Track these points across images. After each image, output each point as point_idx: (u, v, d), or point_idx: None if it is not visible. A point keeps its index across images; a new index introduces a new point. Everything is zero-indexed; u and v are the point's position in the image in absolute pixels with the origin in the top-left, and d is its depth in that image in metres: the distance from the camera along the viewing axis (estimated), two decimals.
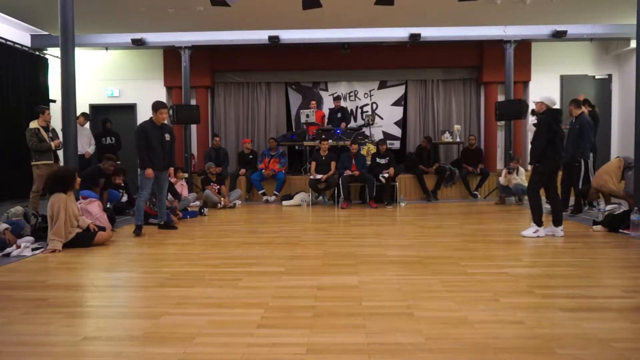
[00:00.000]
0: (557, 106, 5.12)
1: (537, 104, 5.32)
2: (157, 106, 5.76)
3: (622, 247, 4.67)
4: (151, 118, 5.80)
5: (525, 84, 10.52)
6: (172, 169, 6.24)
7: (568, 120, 7.06)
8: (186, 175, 8.33)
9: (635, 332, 2.48)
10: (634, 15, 5.80)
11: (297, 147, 10.23)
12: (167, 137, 5.87)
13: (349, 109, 10.80)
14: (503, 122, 9.64)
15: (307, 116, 9.48)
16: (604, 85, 10.48)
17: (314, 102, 10.12)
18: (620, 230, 5.38)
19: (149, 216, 6.31)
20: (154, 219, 6.28)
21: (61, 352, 2.31)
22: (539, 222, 5.24)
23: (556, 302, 2.94)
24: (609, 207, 6.10)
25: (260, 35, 9.21)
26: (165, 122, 5.91)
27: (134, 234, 5.60)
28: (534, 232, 5.23)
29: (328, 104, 10.63)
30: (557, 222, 5.31)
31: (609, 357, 2.17)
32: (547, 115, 5.16)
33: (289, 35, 9.24)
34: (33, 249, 4.72)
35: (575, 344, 2.31)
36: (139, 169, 5.77)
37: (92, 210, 5.61)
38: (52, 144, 6.50)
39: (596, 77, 10.49)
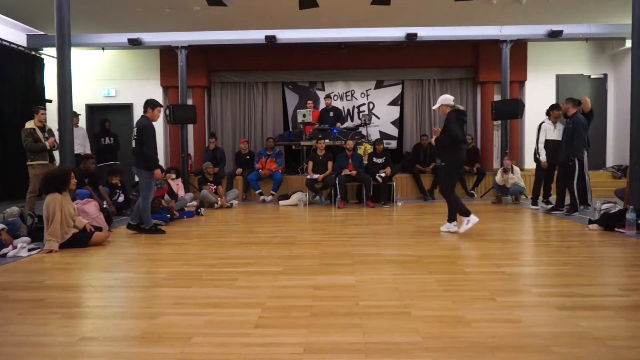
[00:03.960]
0: (461, 107, 5.33)
1: (438, 109, 5.42)
2: (155, 104, 5.70)
3: (618, 246, 4.69)
4: (146, 116, 5.67)
5: (522, 83, 10.55)
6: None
7: (564, 120, 7.09)
8: (174, 175, 8.26)
9: (630, 330, 2.49)
10: (629, 15, 5.83)
11: (294, 147, 10.23)
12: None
13: (345, 109, 10.82)
14: (499, 122, 9.66)
15: (304, 116, 9.48)
16: (600, 84, 10.52)
17: (310, 102, 10.12)
18: (616, 229, 5.41)
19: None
20: (161, 219, 6.24)
21: (58, 353, 2.31)
22: (466, 213, 5.33)
23: (552, 301, 2.95)
24: (604, 206, 6.13)
25: (256, 35, 9.21)
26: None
27: (154, 233, 5.60)
28: (466, 224, 5.30)
29: (323, 103, 10.63)
30: (455, 217, 5.53)
31: (605, 356, 2.18)
32: (453, 115, 5.29)
33: (285, 35, 9.23)
34: (29, 250, 4.70)
35: (572, 343, 2.32)
36: (138, 170, 5.65)
37: (89, 211, 5.59)
38: (47, 144, 6.48)
39: (592, 76, 10.53)
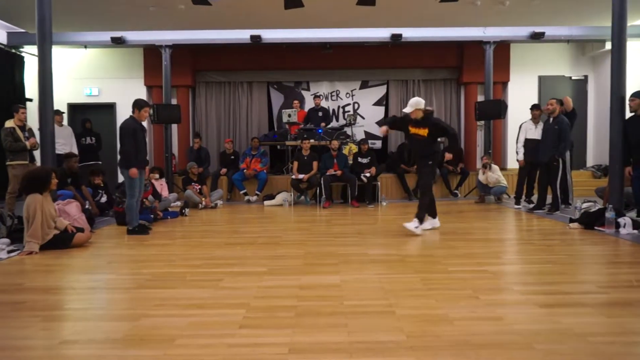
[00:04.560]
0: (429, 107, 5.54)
1: (411, 113, 5.48)
2: (142, 104, 5.67)
3: (598, 244, 4.78)
4: (132, 116, 5.68)
5: (505, 84, 10.68)
6: (147, 168, 6.12)
7: (545, 118, 7.21)
8: (157, 176, 8.16)
9: (610, 326, 2.54)
10: (609, 18, 5.95)
11: (279, 147, 10.20)
12: (146, 136, 5.81)
13: (330, 109, 10.81)
14: (483, 122, 9.77)
15: (289, 116, 9.47)
16: (580, 86, 10.71)
17: (296, 102, 10.11)
18: (596, 228, 5.51)
19: (122, 216, 6.16)
20: (145, 220, 6.17)
21: (39, 356, 2.27)
22: (421, 219, 5.45)
23: (534, 298, 3.00)
24: (584, 205, 6.24)
25: (242, 35, 9.16)
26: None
27: (142, 234, 5.54)
28: (415, 227, 5.38)
29: (310, 103, 10.63)
30: (433, 214, 5.73)
31: (585, 351, 2.22)
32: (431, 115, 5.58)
33: (271, 35, 9.21)
34: (9, 251, 4.61)
35: (553, 339, 2.36)
36: (120, 169, 5.64)
37: (70, 211, 5.50)
38: (27, 144, 6.36)
39: (573, 78, 10.72)
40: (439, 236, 5.30)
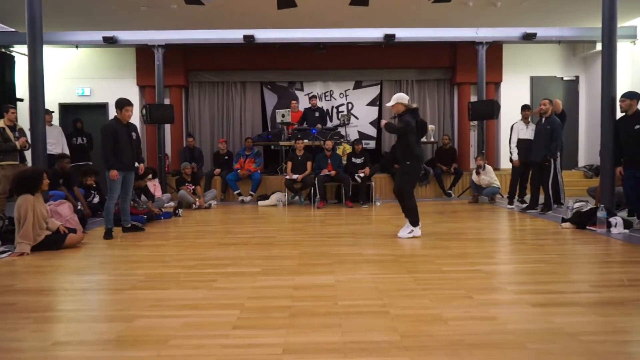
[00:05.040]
0: (414, 104, 5.36)
1: (392, 107, 5.30)
2: (122, 103, 5.61)
3: (589, 244, 4.82)
4: (116, 117, 5.64)
5: (497, 84, 10.74)
6: (142, 165, 6.05)
7: (535, 119, 7.26)
8: (150, 176, 8.03)
9: (601, 325, 2.56)
10: (599, 19, 5.99)
11: (272, 147, 10.19)
12: (134, 135, 5.74)
13: (324, 109, 10.82)
14: (476, 122, 9.81)
15: (283, 116, 9.45)
16: (572, 86, 10.79)
17: (295, 102, 10.11)
18: (588, 227, 5.55)
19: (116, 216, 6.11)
20: (137, 221, 6.13)
21: (30, 358, 2.25)
22: (415, 222, 5.26)
23: (527, 298, 3.02)
24: (576, 204, 6.29)
25: (235, 35, 9.14)
26: (130, 120, 5.76)
27: (104, 238, 5.46)
28: (409, 233, 5.24)
29: (304, 103, 10.62)
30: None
31: (578, 351, 2.24)
32: (407, 115, 5.17)
33: (264, 35, 9.20)
34: (0, 252, 4.56)
35: (545, 339, 2.38)
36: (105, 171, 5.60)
37: (62, 212, 5.46)
38: (18, 144, 6.31)
39: (564, 78, 10.80)
40: (433, 236, 5.32)
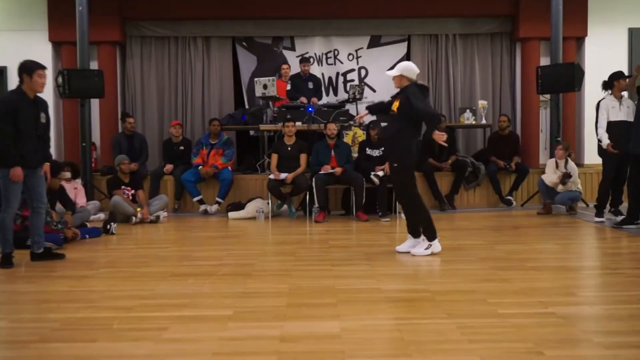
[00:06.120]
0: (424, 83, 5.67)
1: (394, 78, 5.65)
2: (31, 67, 5.50)
3: None
4: (20, 87, 5.53)
5: (580, 40, 10.75)
6: (48, 164, 6.01)
7: (635, 97, 7.23)
8: (68, 175, 8.01)
9: None
10: None
11: (251, 133, 10.19)
12: (43, 117, 5.69)
13: (326, 77, 10.83)
14: (548, 97, 9.81)
15: (265, 87, 9.41)
16: None
17: (286, 66, 10.09)
18: None
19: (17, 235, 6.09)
20: (51, 241, 6.11)
21: None
22: (431, 236, 5.62)
23: (624, 354, 3.01)
24: None
25: None
26: (41, 94, 5.71)
27: (4, 266, 5.42)
28: (426, 249, 5.58)
29: (295, 68, 10.62)
30: (415, 233, 5.85)
31: None
32: (415, 88, 5.58)
33: None
34: None
35: None
36: None
37: None
38: None
39: None
40: (486, 264, 5.32)
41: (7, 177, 5.37)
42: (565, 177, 8.33)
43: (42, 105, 5.73)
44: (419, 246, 5.66)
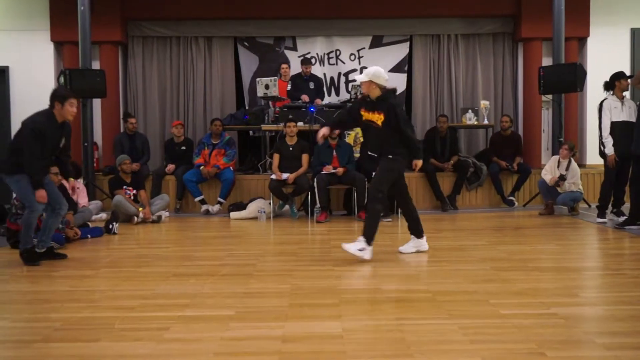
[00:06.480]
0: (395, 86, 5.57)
1: (363, 84, 5.59)
2: (64, 95, 5.58)
3: None
4: (50, 111, 5.57)
5: (582, 40, 10.74)
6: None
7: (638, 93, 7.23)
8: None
9: None
10: None
11: (252, 133, 10.19)
12: (63, 142, 5.73)
13: (328, 77, 10.83)
14: (550, 97, 9.80)
15: (267, 87, 9.43)
16: None
17: (286, 66, 10.10)
18: None
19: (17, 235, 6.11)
20: (53, 241, 6.12)
21: None
22: (369, 238, 5.45)
23: (626, 356, 3.01)
24: None
25: None
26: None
27: (26, 262, 5.47)
28: (360, 250, 5.39)
29: (297, 69, 10.63)
30: (417, 233, 5.86)
31: None
32: (395, 99, 5.61)
33: None
34: None
35: None
36: (8, 176, 5.54)
37: None
38: None
39: None
40: (487, 264, 5.32)
41: (20, 182, 5.46)
42: (560, 179, 8.38)
43: (67, 130, 5.81)
44: (354, 243, 5.40)
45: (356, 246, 5.37)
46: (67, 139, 5.83)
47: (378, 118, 5.55)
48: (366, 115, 5.64)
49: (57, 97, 5.59)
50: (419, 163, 5.69)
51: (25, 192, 5.51)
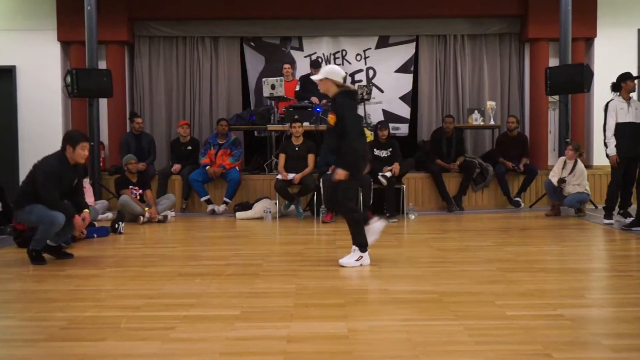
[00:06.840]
0: (351, 86, 5.41)
1: (320, 82, 5.43)
2: (76, 139, 5.58)
3: None
4: (63, 153, 5.59)
5: (589, 41, 10.70)
6: (86, 211, 6.10)
7: None
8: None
9: None
10: None
11: (257, 134, 10.19)
12: (75, 182, 5.77)
13: None
14: (557, 98, 9.78)
15: (273, 87, 9.44)
16: None
17: (288, 66, 10.11)
18: None
19: (25, 235, 6.13)
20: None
21: None
22: (362, 245, 5.28)
23: (633, 357, 3.00)
24: None
25: None
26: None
27: (33, 262, 5.49)
28: (357, 260, 5.25)
29: (303, 69, 10.62)
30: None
31: None
32: (345, 98, 5.30)
33: None
34: None
35: None
36: (21, 211, 5.59)
37: None
38: None
39: None
40: (493, 265, 5.31)
41: (32, 209, 5.48)
42: (560, 182, 8.38)
43: (81, 172, 5.92)
44: (349, 256, 5.27)
45: (352, 258, 5.26)
46: (79, 179, 5.92)
47: (331, 118, 5.40)
48: (330, 119, 5.48)
49: (69, 140, 5.62)
50: (341, 174, 5.21)
51: (40, 212, 5.47)
